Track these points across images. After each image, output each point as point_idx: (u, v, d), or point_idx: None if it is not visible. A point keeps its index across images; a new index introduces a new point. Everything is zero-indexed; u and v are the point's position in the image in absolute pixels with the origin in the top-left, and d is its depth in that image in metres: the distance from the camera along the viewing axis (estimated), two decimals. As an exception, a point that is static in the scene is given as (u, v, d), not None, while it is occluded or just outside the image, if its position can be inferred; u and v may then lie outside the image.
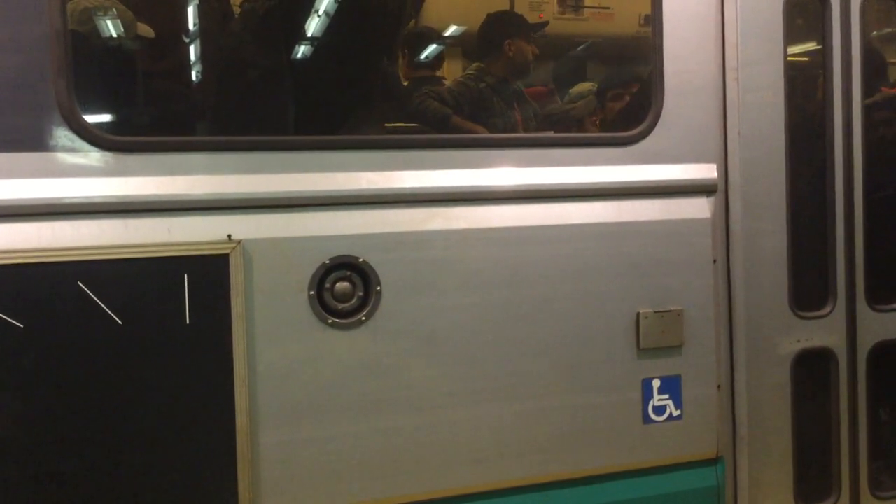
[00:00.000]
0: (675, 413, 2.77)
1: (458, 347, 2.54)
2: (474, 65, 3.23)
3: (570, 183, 2.67)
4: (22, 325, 2.13)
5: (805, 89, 3.09)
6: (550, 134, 2.95)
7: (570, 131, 3.00)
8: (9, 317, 2.12)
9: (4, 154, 2.18)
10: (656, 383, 2.75)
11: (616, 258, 2.68)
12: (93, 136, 2.25)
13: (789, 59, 2.90)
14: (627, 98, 3.10)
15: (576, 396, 2.67)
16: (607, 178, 2.70)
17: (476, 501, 2.62)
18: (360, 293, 2.45)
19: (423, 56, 3.38)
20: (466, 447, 2.57)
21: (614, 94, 3.20)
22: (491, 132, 3.03)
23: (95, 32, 2.65)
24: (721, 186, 2.83)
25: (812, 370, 2.99)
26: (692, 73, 2.80)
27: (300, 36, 2.88)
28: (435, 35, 3.44)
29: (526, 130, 3.19)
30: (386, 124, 2.91)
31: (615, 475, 2.74)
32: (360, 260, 2.44)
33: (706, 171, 2.81)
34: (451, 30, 3.36)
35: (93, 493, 2.22)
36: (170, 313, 2.25)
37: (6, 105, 2.18)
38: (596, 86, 3.33)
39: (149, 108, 2.68)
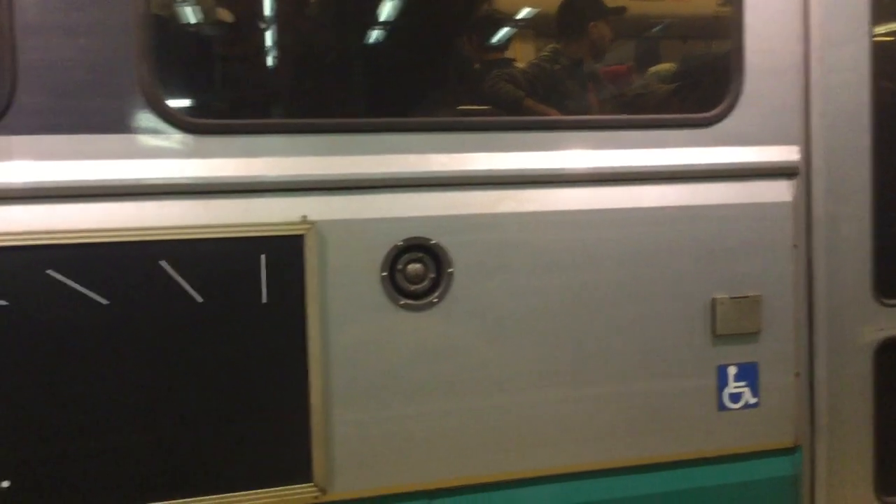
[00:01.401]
0: (752, 401, 2.72)
1: (529, 330, 2.53)
2: (549, 46, 3.20)
3: (645, 165, 2.63)
4: (107, 302, 2.20)
5: (891, 70, 2.97)
6: (625, 115, 2.90)
7: (646, 113, 2.95)
8: (94, 293, 2.19)
9: (90, 136, 2.25)
10: (732, 370, 2.69)
11: (692, 242, 2.64)
12: (174, 119, 2.30)
13: (875, 39, 2.79)
14: (706, 78, 3.03)
15: (649, 382, 2.64)
16: (684, 161, 2.65)
17: (546, 485, 2.61)
18: (432, 275, 2.47)
19: (495, 38, 3.36)
20: (537, 430, 2.57)
21: (693, 74, 3.13)
22: (565, 115, 2.99)
23: (177, 17, 2.70)
24: (803, 169, 2.75)
25: (894, 359, 2.89)
26: (774, 52, 2.72)
27: (375, 19, 2.89)
28: (508, 17, 3.41)
29: (601, 112, 3.15)
30: (459, 107, 2.90)
31: (689, 462, 2.70)
32: (433, 242, 2.45)
33: (787, 154, 2.74)
34: (525, 11, 3.32)
35: (171, 466, 2.29)
36: (247, 292, 2.30)
37: (91, 88, 2.24)
38: (674, 66, 3.26)
39: (228, 92, 2.73)
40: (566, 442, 2.59)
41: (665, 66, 3.38)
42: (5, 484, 2.17)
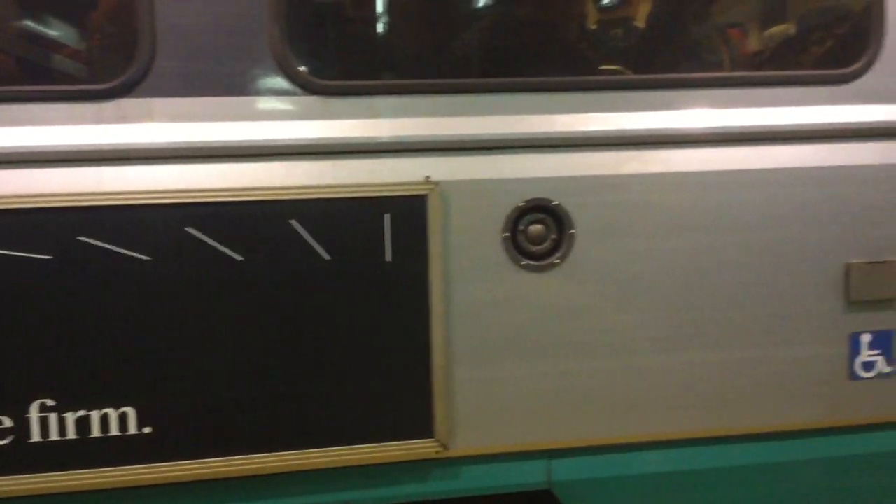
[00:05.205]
0: (886, 370, 2.61)
1: (652, 293, 2.50)
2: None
3: (777, 124, 2.53)
4: (241, 259, 2.28)
5: None
6: (756, 72, 2.79)
7: (776, 70, 2.83)
8: (230, 250, 2.27)
9: (222, 98, 2.32)
10: (866, 338, 2.59)
11: (826, 205, 2.53)
12: (304, 81, 2.35)
13: None
14: (843, 32, 2.88)
15: (777, 348, 2.56)
16: (819, 119, 2.54)
17: (664, 450, 2.59)
18: (554, 236, 2.45)
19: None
20: (659, 394, 2.54)
21: (829, 27, 2.98)
22: (691, 72, 2.90)
23: (306, -21, 2.75)
24: None
25: None
26: None
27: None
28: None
29: (730, 70, 3.03)
30: (582, 66, 2.85)
31: (817, 431, 2.62)
32: (555, 203, 2.44)
33: None
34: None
35: (296, 419, 2.37)
36: (372, 251, 2.34)
37: (223, 51, 2.31)
38: (792, 25, 3.11)
39: (354, 54, 2.76)
40: (689, 407, 2.55)
41: (783, 27, 3.23)
42: (147, 430, 2.29)
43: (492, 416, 2.47)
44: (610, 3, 3.13)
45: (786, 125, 2.54)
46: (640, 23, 3.04)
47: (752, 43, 3.01)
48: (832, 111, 2.56)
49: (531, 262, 2.44)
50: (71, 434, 2.25)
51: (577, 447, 2.54)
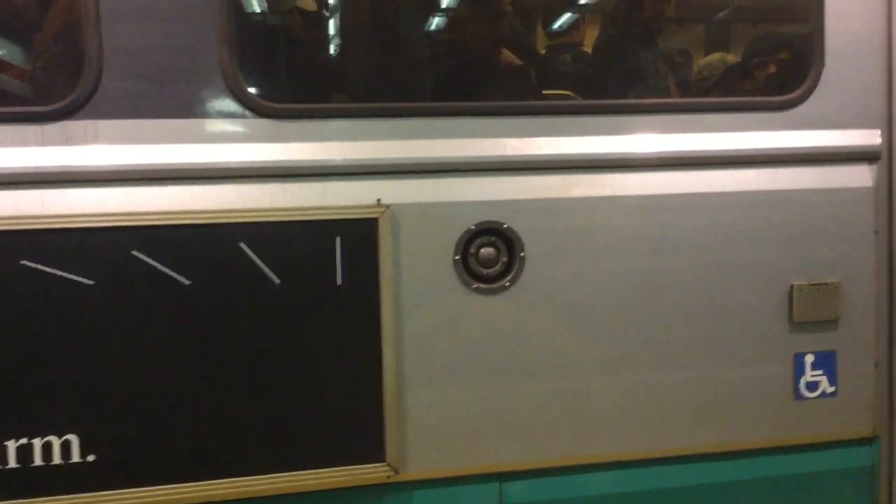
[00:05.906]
0: (829, 390, 2.67)
1: (602, 315, 2.52)
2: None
3: (721, 149, 2.59)
4: (189, 283, 2.25)
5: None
6: (702, 98, 2.85)
7: (721, 96, 2.89)
8: (177, 274, 2.24)
9: (171, 120, 2.29)
10: (809, 358, 2.65)
11: (770, 228, 2.59)
12: (254, 104, 2.34)
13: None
14: (786, 60, 2.96)
15: (724, 369, 2.61)
16: (761, 145, 2.61)
17: (616, 471, 2.60)
18: (505, 259, 2.47)
19: (561, 22, 3.33)
20: (609, 416, 2.56)
21: (772, 56, 3.07)
22: (639, 98, 2.96)
23: (256, 2, 2.74)
24: (885, 153, 2.68)
25: None
26: (856, 33, 2.65)
27: (449, 5, 2.88)
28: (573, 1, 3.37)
29: (677, 95, 3.10)
30: (532, 90, 2.89)
31: (763, 451, 2.66)
32: (505, 226, 2.45)
33: (869, 138, 2.67)
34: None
35: (247, 444, 2.34)
36: (323, 274, 2.33)
37: (173, 73, 2.29)
38: (729, 54, 3.19)
39: (305, 77, 2.76)
40: (638, 428, 2.58)
41: (719, 55, 3.31)
42: (91, 458, 2.24)
43: (443, 439, 2.47)
44: (559, 29, 3.18)
45: (730, 150, 2.59)
46: (588, 49, 3.10)
47: (698, 70, 3.08)
48: (775, 137, 2.62)
49: (482, 286, 2.45)
50: (12, 463, 2.19)
51: (529, 469, 2.54)
